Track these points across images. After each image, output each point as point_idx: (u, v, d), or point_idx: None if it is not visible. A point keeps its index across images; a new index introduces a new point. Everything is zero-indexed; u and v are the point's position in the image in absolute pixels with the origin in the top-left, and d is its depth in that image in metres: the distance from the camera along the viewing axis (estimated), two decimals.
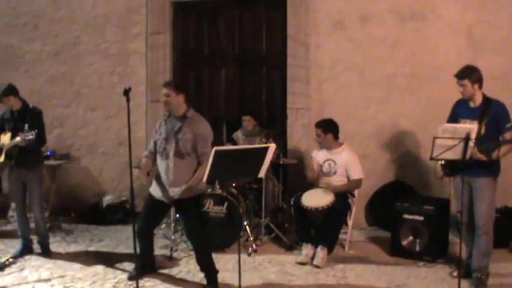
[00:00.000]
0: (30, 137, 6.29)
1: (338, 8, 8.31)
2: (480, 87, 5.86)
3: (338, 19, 8.33)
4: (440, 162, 5.96)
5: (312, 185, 7.27)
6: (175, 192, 5.87)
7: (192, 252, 7.12)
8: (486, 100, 5.86)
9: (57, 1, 9.22)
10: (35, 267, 6.68)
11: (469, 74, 5.84)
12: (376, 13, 8.21)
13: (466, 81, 5.82)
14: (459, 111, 6.03)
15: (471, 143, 5.44)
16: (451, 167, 5.91)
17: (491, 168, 5.83)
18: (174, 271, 6.55)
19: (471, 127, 5.50)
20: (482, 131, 5.70)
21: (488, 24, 7.91)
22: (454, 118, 6.08)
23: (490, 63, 7.79)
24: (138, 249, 5.83)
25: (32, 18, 9.34)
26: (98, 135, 9.20)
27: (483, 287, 5.92)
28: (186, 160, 5.86)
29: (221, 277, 6.26)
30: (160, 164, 5.97)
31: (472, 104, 5.92)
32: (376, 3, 8.21)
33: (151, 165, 6.05)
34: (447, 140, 5.47)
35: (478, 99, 5.88)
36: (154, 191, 6.06)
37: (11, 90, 6.76)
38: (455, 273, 5.95)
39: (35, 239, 7.22)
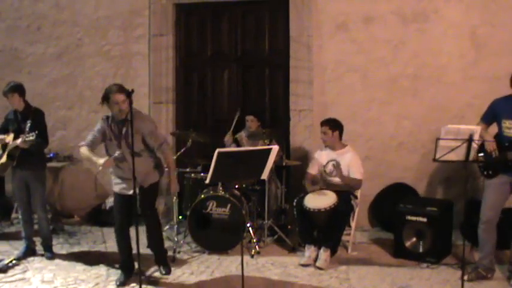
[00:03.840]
0: (31, 138, 6.30)
1: (341, 10, 8.31)
2: None
3: (341, 21, 8.32)
4: (479, 165, 6.10)
5: (310, 184, 7.30)
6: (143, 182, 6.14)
7: (196, 254, 7.17)
8: None
9: (60, 3, 9.23)
10: (38, 269, 6.69)
11: None
12: (379, 15, 8.21)
13: None
14: (502, 111, 6.03)
15: (474, 144, 5.45)
16: (494, 170, 5.99)
17: None
18: (177, 272, 6.56)
19: (474, 128, 5.50)
20: None
21: (491, 26, 7.90)
22: (492, 116, 6.13)
23: (493, 64, 7.81)
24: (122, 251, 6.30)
25: (35, 21, 9.35)
26: None
27: None
28: (143, 157, 6.08)
29: (224, 279, 6.29)
30: (121, 165, 6.08)
31: None
32: (379, 5, 8.20)
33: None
34: (450, 141, 5.47)
35: None
36: (118, 188, 6.21)
37: (18, 89, 6.80)
38: (465, 277, 5.95)
39: (38, 240, 7.23)
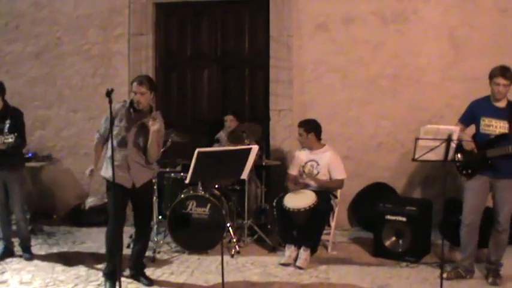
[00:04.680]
0: (10, 140, 6.21)
1: (321, 10, 8.33)
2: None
3: (321, 21, 8.34)
4: (457, 165, 6.17)
5: (292, 185, 7.30)
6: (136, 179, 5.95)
7: (176, 254, 7.15)
8: (511, 103, 5.99)
9: (39, 2, 9.14)
10: (17, 270, 6.62)
11: (511, 73, 5.91)
12: (359, 15, 8.24)
13: (510, 82, 5.88)
14: (480, 110, 6.08)
15: (453, 144, 5.49)
16: (472, 169, 6.04)
17: None
18: (157, 273, 6.52)
19: (453, 128, 5.54)
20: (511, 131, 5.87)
21: (469, 27, 7.96)
22: (470, 117, 6.19)
23: (471, 65, 7.88)
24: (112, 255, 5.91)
25: (13, 19, 9.25)
26: (80, 137, 9.13)
27: (499, 277, 6.13)
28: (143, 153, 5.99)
29: (204, 279, 6.29)
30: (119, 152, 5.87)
31: (497, 104, 5.99)
32: (359, 5, 8.24)
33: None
34: (429, 141, 5.50)
35: (504, 101, 5.99)
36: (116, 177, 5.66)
37: None
38: (444, 275, 5.99)
39: (16, 241, 7.16)
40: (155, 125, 5.79)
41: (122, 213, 6.03)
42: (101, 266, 6.63)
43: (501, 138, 5.89)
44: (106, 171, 5.94)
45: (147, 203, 6.29)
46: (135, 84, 5.85)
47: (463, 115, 6.28)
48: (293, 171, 7.39)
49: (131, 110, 5.90)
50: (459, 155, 6.08)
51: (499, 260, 6.19)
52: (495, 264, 6.18)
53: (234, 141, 7.82)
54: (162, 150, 6.18)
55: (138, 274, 6.25)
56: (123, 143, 5.86)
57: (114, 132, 5.66)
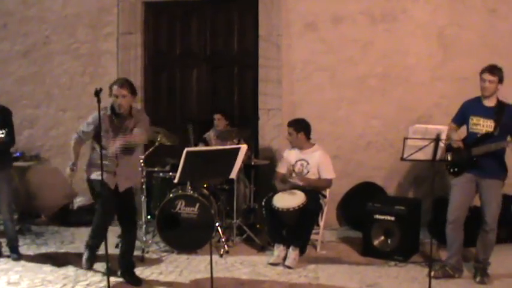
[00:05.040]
0: (1, 135, 6.22)
1: (310, 9, 8.33)
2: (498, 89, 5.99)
3: (310, 20, 8.35)
4: (445, 163, 6.19)
5: (280, 183, 7.31)
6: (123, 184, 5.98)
7: (164, 254, 7.14)
8: (501, 102, 6.00)
9: (27, 0, 9.09)
10: (4, 271, 6.57)
11: (499, 71, 5.93)
12: (348, 14, 8.25)
13: (496, 78, 5.90)
14: (470, 110, 6.12)
15: (441, 144, 5.50)
16: (459, 168, 6.07)
17: (500, 171, 6.04)
18: (146, 272, 6.50)
19: (441, 128, 5.55)
20: (497, 131, 5.88)
21: (458, 26, 7.99)
22: (462, 117, 6.21)
23: (460, 64, 7.91)
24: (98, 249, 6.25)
25: (1, 17, 9.20)
26: (68, 136, 8.89)
27: (487, 276, 6.16)
28: (133, 156, 6.03)
29: (193, 278, 6.28)
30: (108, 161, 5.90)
31: (487, 103, 6.00)
32: (348, 5, 8.25)
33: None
34: (418, 140, 5.51)
35: (494, 100, 5.99)
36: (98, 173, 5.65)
37: None
38: (432, 273, 6.01)
39: (3, 241, 7.12)
40: (138, 136, 5.90)
41: (111, 208, 6.06)
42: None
43: (486, 137, 5.91)
44: (91, 175, 6.02)
45: (131, 203, 6.25)
46: (115, 87, 5.84)
47: (455, 115, 6.32)
48: (281, 169, 7.38)
49: (113, 117, 5.91)
50: (449, 155, 6.11)
51: (487, 259, 6.21)
52: (483, 263, 6.20)
53: (223, 141, 7.83)
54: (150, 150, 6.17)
55: (126, 273, 6.23)
56: (113, 154, 5.89)
57: (102, 143, 5.70)
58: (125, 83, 5.89)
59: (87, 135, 6.02)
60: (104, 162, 5.53)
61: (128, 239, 6.28)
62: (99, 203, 6.11)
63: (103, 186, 5.70)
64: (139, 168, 6.34)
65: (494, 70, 5.90)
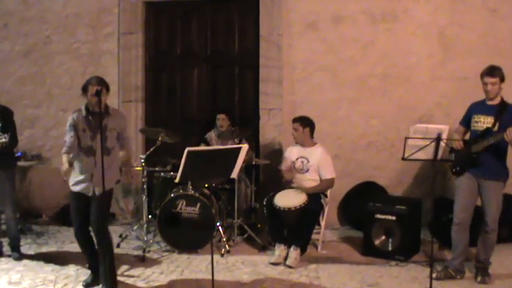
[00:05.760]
0: (3, 140, 6.20)
1: (311, 9, 8.34)
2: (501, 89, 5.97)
3: (311, 20, 8.35)
4: (449, 164, 6.18)
5: (288, 172, 7.32)
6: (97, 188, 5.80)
7: (165, 253, 7.14)
8: (503, 101, 5.98)
9: (28, 0, 9.09)
10: (5, 270, 6.59)
11: (499, 72, 5.91)
12: (349, 14, 8.26)
13: (497, 79, 5.88)
14: (474, 110, 6.11)
15: (442, 143, 5.51)
16: (461, 167, 6.06)
17: (501, 173, 6.03)
18: (147, 272, 6.52)
19: (442, 127, 5.56)
20: (496, 127, 5.85)
21: (459, 26, 7.99)
22: (468, 119, 6.18)
23: (460, 64, 7.91)
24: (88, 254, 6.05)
25: (2, 17, 9.20)
26: None
27: (488, 276, 6.16)
28: (112, 155, 5.87)
29: (194, 278, 6.28)
30: (82, 160, 5.85)
31: (490, 102, 5.99)
32: (349, 5, 8.25)
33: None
34: (419, 140, 5.52)
35: (497, 99, 5.98)
36: (78, 187, 5.87)
37: None
38: (435, 275, 6.02)
39: (5, 241, 7.13)
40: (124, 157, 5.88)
41: (87, 217, 5.88)
42: None
43: (486, 133, 5.88)
44: (72, 186, 5.96)
45: (103, 206, 5.93)
46: (93, 86, 5.71)
47: (463, 117, 6.28)
48: (285, 166, 7.40)
49: (90, 117, 5.83)
50: (453, 155, 6.11)
51: (488, 258, 6.21)
52: (484, 263, 6.20)
53: (224, 140, 7.84)
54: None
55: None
56: (90, 152, 5.80)
57: (81, 144, 5.75)
58: (101, 80, 5.83)
59: (73, 142, 5.84)
60: (79, 165, 5.77)
61: (102, 250, 5.92)
62: (72, 211, 6.02)
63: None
64: (118, 170, 6.13)
65: (493, 71, 5.89)
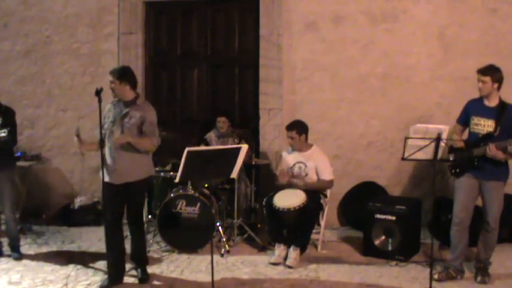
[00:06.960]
0: (3, 134, 6.23)
1: (311, 9, 8.33)
2: (499, 88, 5.94)
3: (311, 20, 8.35)
4: (448, 164, 6.16)
5: (281, 184, 7.30)
6: (121, 177, 5.89)
7: (165, 253, 7.14)
8: (502, 102, 5.96)
9: (28, 0, 9.10)
10: (5, 270, 6.59)
11: (492, 72, 5.89)
12: (349, 14, 8.25)
13: (488, 78, 5.86)
14: (472, 110, 6.09)
15: (442, 143, 5.51)
16: (461, 168, 6.04)
17: (502, 172, 6.01)
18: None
19: (442, 127, 5.56)
20: (498, 131, 5.84)
21: (459, 26, 7.99)
22: (465, 117, 6.17)
23: (460, 64, 7.90)
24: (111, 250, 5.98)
25: (2, 17, 9.20)
26: (69, 136, 9.01)
27: (488, 276, 6.17)
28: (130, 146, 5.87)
29: (194, 278, 6.28)
30: (107, 147, 5.91)
31: (487, 103, 5.97)
32: (349, 5, 8.25)
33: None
34: (419, 140, 5.52)
35: (495, 100, 5.96)
36: (106, 176, 5.93)
37: None
38: (435, 276, 6.03)
39: (4, 241, 7.13)
40: (120, 139, 5.79)
41: (119, 210, 6.05)
42: (91, 265, 6.67)
43: (487, 137, 5.89)
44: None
45: (135, 199, 6.16)
46: (110, 75, 5.93)
47: (459, 115, 6.27)
48: (280, 171, 7.39)
49: (114, 104, 5.97)
50: (452, 156, 6.10)
51: (488, 258, 6.21)
52: (484, 262, 6.20)
53: (224, 140, 7.84)
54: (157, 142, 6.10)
55: (138, 267, 6.31)
56: (110, 136, 5.88)
57: (106, 131, 5.84)
58: (113, 71, 5.98)
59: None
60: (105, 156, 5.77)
61: (135, 237, 6.29)
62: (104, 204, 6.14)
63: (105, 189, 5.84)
64: (147, 162, 6.17)
65: (486, 71, 5.89)
